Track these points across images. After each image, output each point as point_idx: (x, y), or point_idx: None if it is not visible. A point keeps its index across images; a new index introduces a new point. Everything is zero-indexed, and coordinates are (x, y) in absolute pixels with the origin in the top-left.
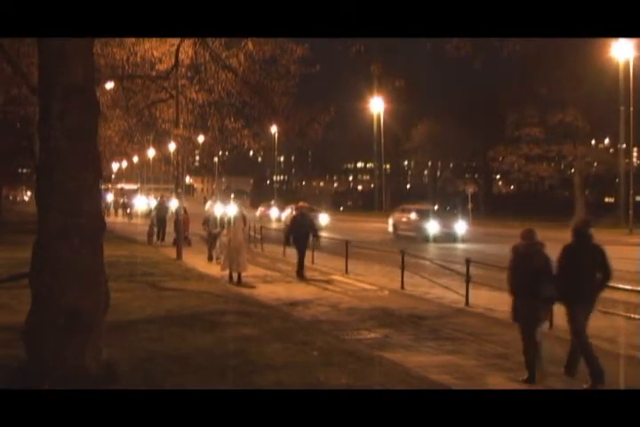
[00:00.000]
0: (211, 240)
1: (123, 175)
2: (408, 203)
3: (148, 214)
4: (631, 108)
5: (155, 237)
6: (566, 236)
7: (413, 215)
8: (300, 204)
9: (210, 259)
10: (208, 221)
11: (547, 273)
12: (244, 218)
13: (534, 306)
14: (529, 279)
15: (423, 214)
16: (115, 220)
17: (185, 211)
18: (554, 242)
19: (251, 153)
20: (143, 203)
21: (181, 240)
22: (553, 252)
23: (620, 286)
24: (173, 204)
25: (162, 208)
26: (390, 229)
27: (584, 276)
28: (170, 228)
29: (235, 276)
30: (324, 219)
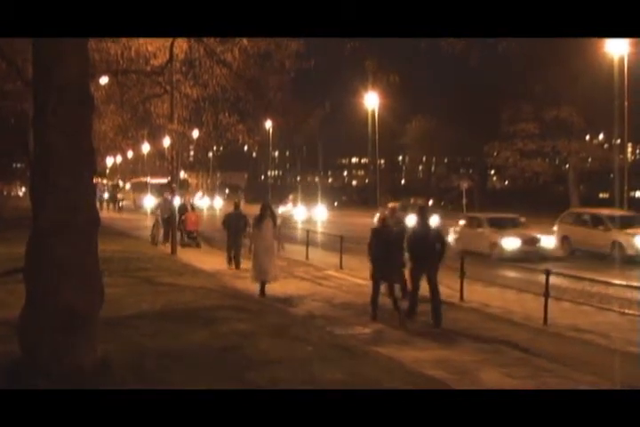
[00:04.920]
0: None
1: (117, 170)
2: (586, 206)
3: (152, 212)
4: (625, 104)
5: (161, 238)
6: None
7: (607, 224)
8: (391, 205)
9: (230, 261)
10: (230, 220)
11: (397, 246)
12: (273, 217)
13: (388, 270)
14: (384, 251)
15: (627, 223)
16: (107, 215)
17: (192, 208)
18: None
19: (245, 148)
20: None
21: (175, 234)
22: None
23: (615, 281)
24: (204, 202)
25: (166, 206)
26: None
27: (425, 247)
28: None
29: (266, 287)
30: (548, 242)
